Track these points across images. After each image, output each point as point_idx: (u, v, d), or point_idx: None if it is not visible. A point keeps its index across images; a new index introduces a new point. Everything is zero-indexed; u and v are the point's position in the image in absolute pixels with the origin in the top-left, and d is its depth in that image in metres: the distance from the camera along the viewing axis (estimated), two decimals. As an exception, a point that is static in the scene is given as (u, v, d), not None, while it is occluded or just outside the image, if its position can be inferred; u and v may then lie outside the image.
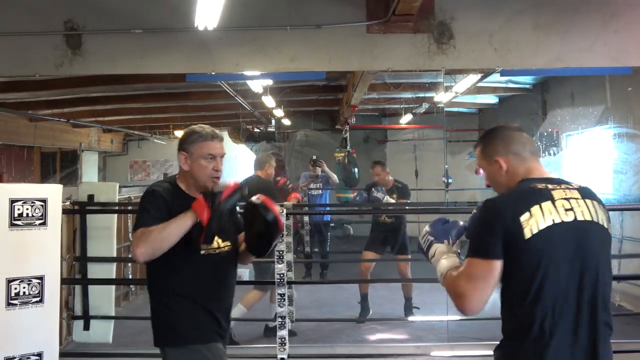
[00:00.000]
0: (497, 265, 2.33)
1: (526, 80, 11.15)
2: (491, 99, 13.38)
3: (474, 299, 2.32)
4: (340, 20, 5.28)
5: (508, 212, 2.35)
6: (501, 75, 7.26)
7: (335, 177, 10.57)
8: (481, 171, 8.45)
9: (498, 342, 2.49)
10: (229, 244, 3.17)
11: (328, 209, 10.53)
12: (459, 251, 2.62)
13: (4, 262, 4.23)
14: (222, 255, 3.14)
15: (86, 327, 5.64)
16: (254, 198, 3.15)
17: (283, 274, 4.72)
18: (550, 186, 2.44)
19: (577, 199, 2.42)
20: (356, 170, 13.22)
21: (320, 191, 10.53)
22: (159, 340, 3.09)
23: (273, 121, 15.29)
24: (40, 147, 15.39)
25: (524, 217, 2.33)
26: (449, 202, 10.05)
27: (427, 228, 2.71)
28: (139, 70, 5.34)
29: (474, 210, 2.66)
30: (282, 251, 4.73)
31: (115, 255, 5.79)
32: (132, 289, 8.94)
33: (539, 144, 10.59)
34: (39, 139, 13.33)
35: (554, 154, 10.31)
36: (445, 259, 2.55)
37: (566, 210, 2.38)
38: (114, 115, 13.89)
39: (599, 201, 2.49)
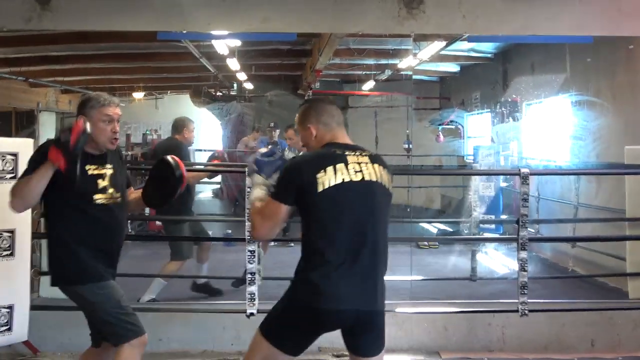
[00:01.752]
0: (285, 209, 3.00)
1: (488, 49, 11.29)
2: (453, 67, 13.50)
3: (262, 230, 3.08)
4: (313, -19, 5.31)
5: (306, 169, 2.99)
6: (468, 41, 7.38)
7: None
8: (441, 138, 8.74)
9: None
10: (119, 194, 3.60)
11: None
12: (272, 184, 3.21)
13: (-26, 216, 4.23)
14: (115, 204, 3.56)
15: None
16: (167, 156, 3.68)
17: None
18: (347, 152, 3.07)
19: (366, 163, 3.07)
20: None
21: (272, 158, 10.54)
22: (66, 280, 3.52)
23: (235, 85, 15.23)
24: (-6, 106, 15.01)
25: (319, 175, 2.96)
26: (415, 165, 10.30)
27: (256, 157, 3.41)
28: (110, 27, 5.31)
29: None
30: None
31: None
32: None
33: (501, 110, 10.83)
34: (-7, 97, 13.03)
35: (515, 120, 10.55)
36: (257, 189, 3.30)
37: (356, 171, 3.02)
38: (73, 76, 13.64)
39: (384, 166, 3.14)
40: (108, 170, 3.56)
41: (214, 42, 8.31)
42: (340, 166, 2.99)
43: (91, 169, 3.50)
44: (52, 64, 11.74)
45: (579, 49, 8.41)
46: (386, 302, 3.14)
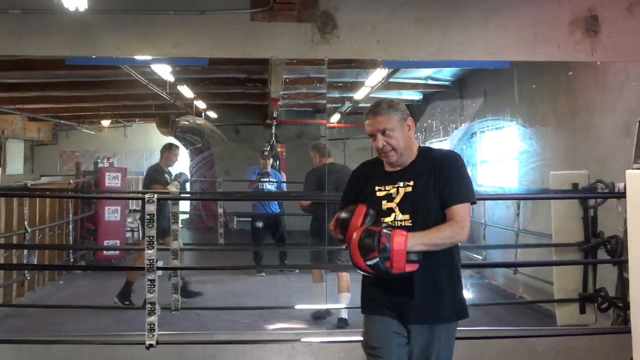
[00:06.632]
0: None
1: (445, 76, 11.29)
2: (416, 96, 13.50)
3: None
4: (224, 7, 5.26)
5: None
6: (384, 67, 7.35)
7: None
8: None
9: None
10: (409, 217, 3.15)
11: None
12: None
13: None
14: (402, 229, 3.10)
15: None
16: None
17: (153, 259, 4.67)
18: None
19: None
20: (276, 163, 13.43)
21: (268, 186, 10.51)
22: None
23: (203, 114, 15.18)
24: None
25: None
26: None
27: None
28: (18, 52, 5.26)
29: None
30: (152, 237, 4.67)
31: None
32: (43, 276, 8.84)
33: (459, 137, 10.90)
34: (-46, 126, 12.95)
35: (469, 148, 10.58)
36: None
37: None
38: (39, 103, 13.56)
39: None
40: (400, 189, 3.17)
41: (155, 68, 8.27)
42: None
43: (379, 190, 3.21)
44: (10, 91, 11.64)
45: (526, 75, 8.44)
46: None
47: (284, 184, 11.86)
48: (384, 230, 2.96)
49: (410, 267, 2.96)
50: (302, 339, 5.25)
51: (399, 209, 3.13)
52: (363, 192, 3.25)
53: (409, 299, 3.13)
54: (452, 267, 3.22)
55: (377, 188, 3.20)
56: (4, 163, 15.47)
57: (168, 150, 7.85)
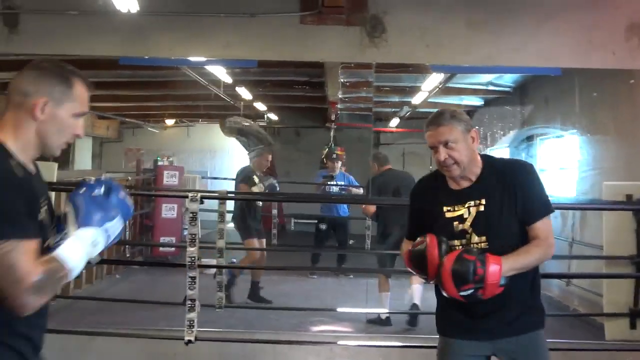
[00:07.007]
0: None
1: (506, 82, 11.12)
2: (477, 101, 13.32)
3: None
4: (274, 10, 5.33)
5: None
6: (433, 71, 7.27)
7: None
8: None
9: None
10: (485, 238, 2.91)
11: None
12: None
13: None
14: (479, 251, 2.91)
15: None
16: None
17: (194, 257, 4.75)
18: None
19: None
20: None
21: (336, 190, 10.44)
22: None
23: (265, 116, 15.33)
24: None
25: None
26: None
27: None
28: (73, 52, 5.40)
29: None
30: (195, 234, 4.75)
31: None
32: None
33: (518, 144, 10.71)
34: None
35: (530, 156, 10.40)
36: None
37: None
38: (106, 102, 13.93)
39: None
40: (471, 209, 2.92)
41: (213, 70, 8.40)
42: None
43: (449, 211, 2.96)
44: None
45: (588, 82, 8.22)
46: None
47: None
48: (479, 261, 2.75)
49: (499, 291, 2.79)
50: (340, 342, 5.25)
51: (474, 231, 2.90)
52: (428, 212, 3.02)
53: (490, 315, 2.93)
54: (533, 276, 3.01)
55: (445, 209, 2.96)
56: (72, 159, 15.97)
57: (259, 156, 7.99)
